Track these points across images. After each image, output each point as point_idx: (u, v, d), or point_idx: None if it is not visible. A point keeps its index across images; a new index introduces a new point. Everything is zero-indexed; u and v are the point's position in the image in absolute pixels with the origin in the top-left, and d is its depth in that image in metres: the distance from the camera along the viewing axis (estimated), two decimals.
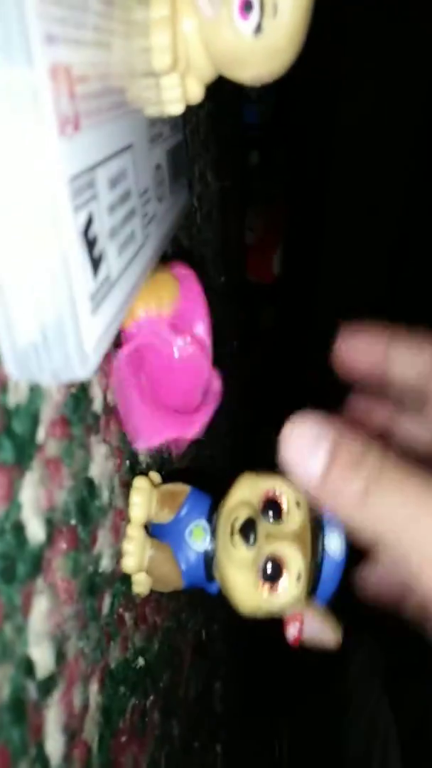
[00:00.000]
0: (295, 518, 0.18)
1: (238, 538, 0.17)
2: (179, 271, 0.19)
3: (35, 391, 0.13)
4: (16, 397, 0.12)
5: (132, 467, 0.20)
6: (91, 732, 0.16)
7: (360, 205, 1.00)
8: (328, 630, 0.18)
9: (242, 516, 0.17)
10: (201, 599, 0.33)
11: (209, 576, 0.19)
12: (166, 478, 0.21)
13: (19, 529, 0.12)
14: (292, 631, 0.18)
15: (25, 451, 0.12)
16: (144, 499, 0.19)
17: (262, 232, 0.91)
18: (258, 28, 0.16)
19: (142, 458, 0.22)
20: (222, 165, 0.47)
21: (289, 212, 0.99)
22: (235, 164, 0.63)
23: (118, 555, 0.18)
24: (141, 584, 0.19)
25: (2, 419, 0.12)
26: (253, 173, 0.86)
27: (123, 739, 0.20)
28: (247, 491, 0.18)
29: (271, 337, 1.12)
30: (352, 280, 1.05)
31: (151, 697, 0.23)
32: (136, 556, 0.18)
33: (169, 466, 0.26)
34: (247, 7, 0.16)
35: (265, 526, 0.18)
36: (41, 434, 0.13)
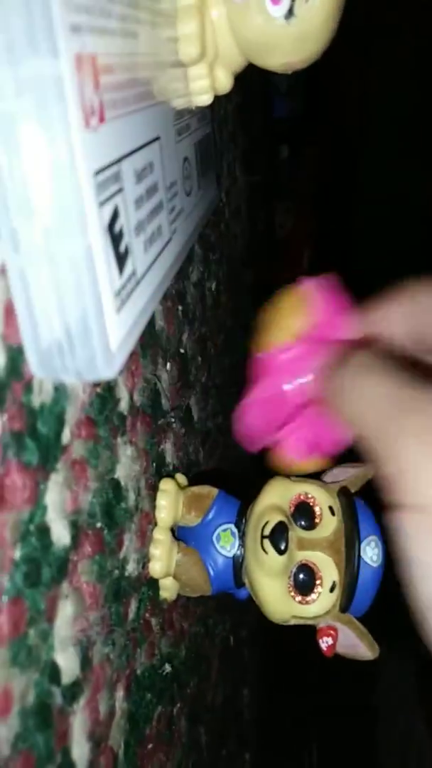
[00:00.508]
0: (328, 525, 0.17)
1: (268, 543, 0.16)
2: (310, 287, 0.18)
3: (60, 391, 0.13)
4: (40, 397, 0.12)
5: (158, 469, 0.20)
6: (117, 739, 0.16)
7: (391, 199, 0.97)
8: (363, 645, 0.17)
9: (273, 521, 0.17)
10: (229, 605, 0.33)
11: (238, 581, 0.18)
12: (193, 480, 0.21)
13: (44, 531, 0.12)
14: (325, 643, 0.17)
15: (50, 452, 0.12)
16: (170, 502, 0.19)
17: (292, 228, 0.89)
18: (290, 13, 0.16)
19: (169, 460, 0.21)
20: (251, 159, 0.46)
21: (320, 207, 0.97)
22: (265, 158, 0.62)
23: (144, 559, 0.18)
24: (168, 589, 0.19)
25: (27, 420, 0.11)
26: (282, 167, 0.84)
27: (149, 746, 0.19)
28: (277, 495, 0.18)
29: None
30: (384, 275, 1.02)
31: (178, 704, 0.23)
32: (163, 561, 0.18)
33: (196, 468, 0.26)
34: None
35: (296, 531, 0.17)
36: (66, 435, 0.13)
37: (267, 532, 0.17)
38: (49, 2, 0.09)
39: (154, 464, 0.19)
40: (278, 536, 0.16)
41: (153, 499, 0.19)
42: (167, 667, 0.21)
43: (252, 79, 0.16)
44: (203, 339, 0.28)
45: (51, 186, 0.10)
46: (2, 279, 0.11)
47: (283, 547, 0.16)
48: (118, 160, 0.12)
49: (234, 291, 0.39)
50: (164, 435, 0.21)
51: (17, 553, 0.11)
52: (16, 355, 0.11)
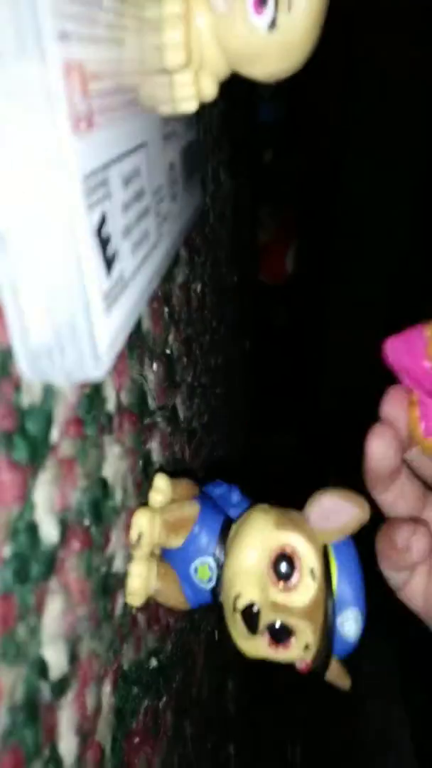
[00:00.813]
0: (306, 591, 0.16)
1: (240, 619, 0.16)
2: None
3: (49, 391, 0.13)
4: (29, 396, 0.12)
5: (145, 467, 0.20)
6: (104, 733, 0.16)
7: (373, 204, 0.99)
8: (336, 678, 0.17)
9: (244, 598, 0.16)
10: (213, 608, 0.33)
11: (217, 601, 0.18)
12: (180, 476, 0.21)
13: (32, 529, 0.12)
14: (299, 665, 0.17)
15: (38, 451, 0.12)
16: (147, 531, 0.18)
17: (274, 231, 0.90)
18: (272, 24, 0.16)
19: (155, 458, 0.22)
20: (235, 164, 0.47)
21: (302, 211, 0.99)
22: (249, 163, 0.63)
23: (130, 556, 0.18)
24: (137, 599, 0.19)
25: (16, 419, 0.12)
26: (266, 172, 0.85)
27: (136, 740, 0.20)
28: (258, 543, 0.16)
29: (284, 337, 1.11)
30: (365, 278, 1.04)
31: (164, 698, 0.23)
32: (140, 594, 0.18)
33: (182, 466, 0.26)
34: (261, 1, 0.16)
35: (271, 594, 0.16)
36: (55, 434, 0.13)
37: (239, 606, 0.16)
38: (38, 10, 0.09)
39: (141, 462, 0.20)
40: (250, 620, 0.16)
41: (140, 497, 0.19)
42: (153, 662, 0.21)
43: (237, 84, 0.16)
44: (189, 340, 0.29)
45: (40, 190, 0.10)
46: None
47: (255, 630, 0.16)
48: (106, 165, 0.12)
49: (219, 293, 0.39)
50: (151, 434, 0.21)
51: (6, 550, 0.11)
52: (5, 356, 0.11)
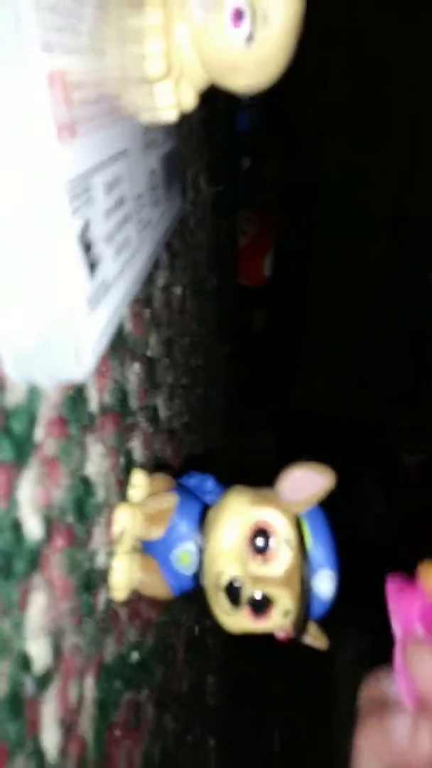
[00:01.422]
0: (282, 560, 0.17)
1: (223, 595, 0.17)
2: None
3: (33, 391, 0.13)
4: (14, 397, 0.12)
5: (127, 466, 0.20)
6: (86, 726, 0.17)
7: (351, 207, 1.01)
8: (314, 639, 0.18)
9: (226, 574, 0.17)
10: (194, 594, 0.34)
11: (199, 585, 0.19)
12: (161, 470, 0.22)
13: (16, 526, 0.13)
14: (280, 635, 0.18)
15: (23, 450, 0.13)
16: (128, 527, 0.18)
17: (253, 236, 0.91)
18: (250, 37, 0.16)
19: (136, 457, 0.22)
20: (214, 170, 0.47)
21: (280, 215, 1.00)
22: (228, 170, 0.64)
23: (113, 551, 0.19)
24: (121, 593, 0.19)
25: (1, 419, 0.12)
26: (244, 178, 0.86)
27: (117, 732, 0.20)
28: (236, 521, 0.17)
29: (263, 339, 1.12)
30: (342, 281, 1.06)
31: (145, 692, 0.24)
32: (123, 590, 0.18)
33: (163, 464, 0.27)
34: (238, 15, 0.16)
35: (251, 568, 0.17)
36: (39, 434, 0.13)
37: (222, 583, 0.17)
38: (22, 21, 0.10)
39: (123, 461, 0.20)
40: (232, 594, 0.17)
41: (122, 494, 0.19)
42: (135, 656, 0.22)
43: (216, 93, 0.17)
44: (170, 342, 0.29)
45: (25, 197, 0.11)
46: None
47: (237, 604, 0.17)
48: (89, 173, 0.12)
49: (199, 295, 0.40)
50: (132, 433, 0.21)
51: None
52: None
